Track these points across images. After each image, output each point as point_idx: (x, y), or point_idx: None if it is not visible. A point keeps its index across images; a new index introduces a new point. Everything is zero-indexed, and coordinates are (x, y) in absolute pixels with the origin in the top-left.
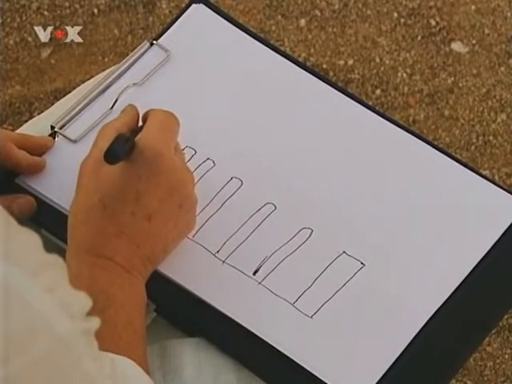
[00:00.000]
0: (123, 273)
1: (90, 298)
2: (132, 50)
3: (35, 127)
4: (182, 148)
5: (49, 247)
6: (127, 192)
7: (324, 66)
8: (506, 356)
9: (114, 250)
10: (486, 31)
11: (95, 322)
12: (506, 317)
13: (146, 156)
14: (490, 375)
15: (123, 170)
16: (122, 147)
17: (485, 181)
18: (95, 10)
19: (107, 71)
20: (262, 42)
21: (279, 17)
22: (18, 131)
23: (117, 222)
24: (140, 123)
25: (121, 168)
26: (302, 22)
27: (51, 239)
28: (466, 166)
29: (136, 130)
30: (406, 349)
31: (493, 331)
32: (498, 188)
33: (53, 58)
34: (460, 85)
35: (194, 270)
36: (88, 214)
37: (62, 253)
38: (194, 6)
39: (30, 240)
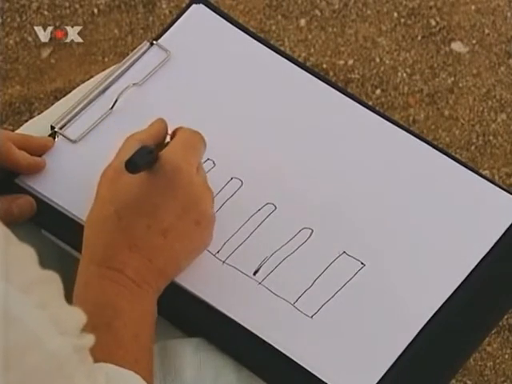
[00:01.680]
0: (133, 286)
1: (85, 313)
2: (132, 50)
3: (35, 127)
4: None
5: (48, 250)
6: (144, 204)
7: (324, 66)
8: (506, 356)
9: (125, 262)
10: (486, 31)
11: (89, 339)
12: (506, 317)
13: (165, 170)
14: (490, 375)
15: (142, 182)
16: (144, 157)
17: (485, 181)
18: (95, 10)
19: (107, 71)
20: (261, 42)
21: (279, 17)
22: (18, 131)
23: (130, 235)
24: (168, 139)
25: (140, 180)
26: (302, 21)
27: (51, 239)
28: (465, 166)
29: (162, 144)
30: (406, 349)
31: (493, 331)
32: (498, 188)
33: (53, 57)
34: (460, 85)
35: (194, 270)
36: (102, 225)
37: (62, 252)
38: (194, 6)
39: (25, 255)
